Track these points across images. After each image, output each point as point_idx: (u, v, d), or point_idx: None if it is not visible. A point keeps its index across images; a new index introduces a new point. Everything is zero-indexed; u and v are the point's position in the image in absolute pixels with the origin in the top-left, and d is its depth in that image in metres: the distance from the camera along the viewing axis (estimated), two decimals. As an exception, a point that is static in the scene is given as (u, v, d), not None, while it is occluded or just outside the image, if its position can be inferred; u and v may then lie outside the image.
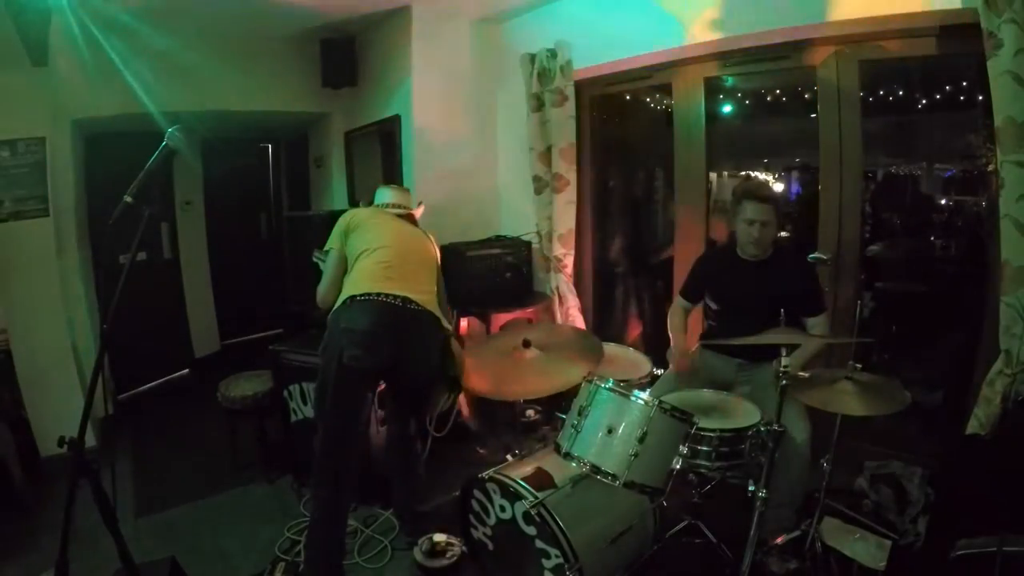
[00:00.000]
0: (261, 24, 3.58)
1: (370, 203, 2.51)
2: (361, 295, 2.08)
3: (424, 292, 2.20)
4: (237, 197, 5.35)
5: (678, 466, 1.71)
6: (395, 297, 2.08)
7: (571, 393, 1.92)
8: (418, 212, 2.53)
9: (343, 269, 2.24)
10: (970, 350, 2.30)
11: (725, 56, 2.76)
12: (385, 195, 2.47)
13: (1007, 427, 1.93)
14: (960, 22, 2.03)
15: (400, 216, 2.41)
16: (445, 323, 2.26)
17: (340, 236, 2.26)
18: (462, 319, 3.28)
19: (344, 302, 2.10)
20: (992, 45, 1.87)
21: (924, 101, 2.89)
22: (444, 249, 3.02)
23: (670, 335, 2.46)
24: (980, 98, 2.10)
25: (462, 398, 3.06)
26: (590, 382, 1.81)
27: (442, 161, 3.64)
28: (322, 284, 2.27)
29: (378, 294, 2.07)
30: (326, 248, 2.28)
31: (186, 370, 4.60)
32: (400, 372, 2.16)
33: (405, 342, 2.08)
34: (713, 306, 2.41)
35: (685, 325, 2.48)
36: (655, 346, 2.66)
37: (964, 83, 2.56)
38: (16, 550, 2.35)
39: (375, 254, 2.19)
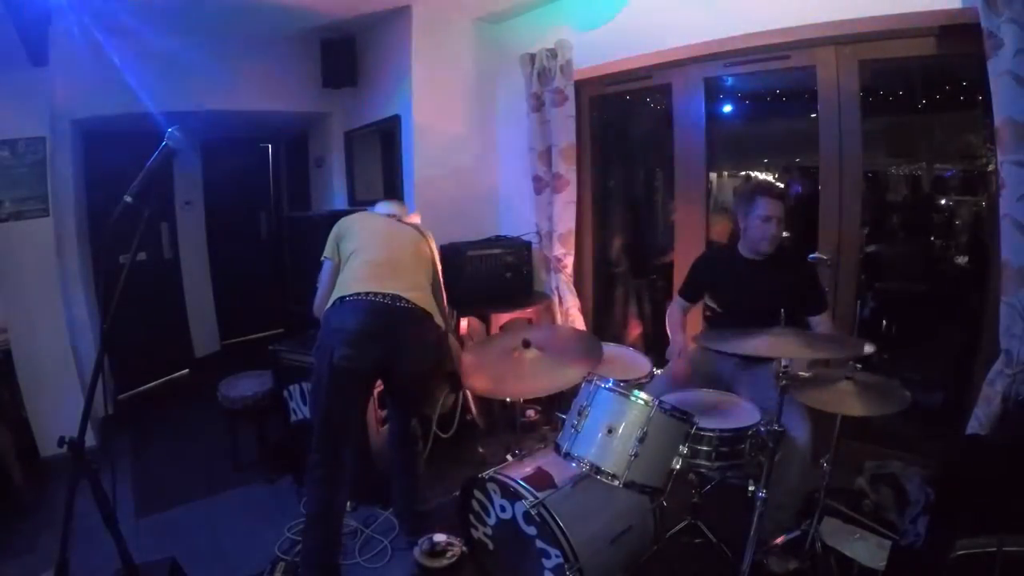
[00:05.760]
0: (261, 24, 3.58)
1: None
2: (350, 295, 2.07)
3: (415, 289, 2.18)
4: (237, 197, 5.35)
5: (678, 466, 1.70)
6: (384, 295, 2.07)
7: (571, 393, 1.92)
8: (413, 219, 2.53)
9: (337, 277, 2.23)
10: (970, 350, 2.30)
11: (725, 56, 2.76)
12: (380, 207, 2.50)
13: (1007, 427, 1.94)
14: (960, 22, 2.03)
15: (392, 218, 2.41)
16: (439, 320, 2.25)
17: (333, 244, 2.26)
18: (462, 319, 3.28)
19: (334, 303, 2.10)
20: (992, 45, 1.87)
21: (924, 101, 2.89)
22: (444, 249, 3.02)
23: (669, 333, 2.46)
24: (980, 98, 2.10)
25: (470, 397, 3.06)
26: (590, 382, 1.81)
27: (442, 161, 3.64)
28: (317, 295, 2.26)
29: (366, 293, 2.07)
30: (322, 258, 2.28)
31: (186, 370, 4.60)
32: (394, 370, 2.15)
33: (396, 340, 2.07)
34: (713, 306, 2.41)
35: (684, 323, 2.48)
36: (655, 346, 2.66)
37: (964, 83, 2.56)
38: (16, 550, 2.35)
39: (364, 253, 2.18)
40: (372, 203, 2.59)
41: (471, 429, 3.15)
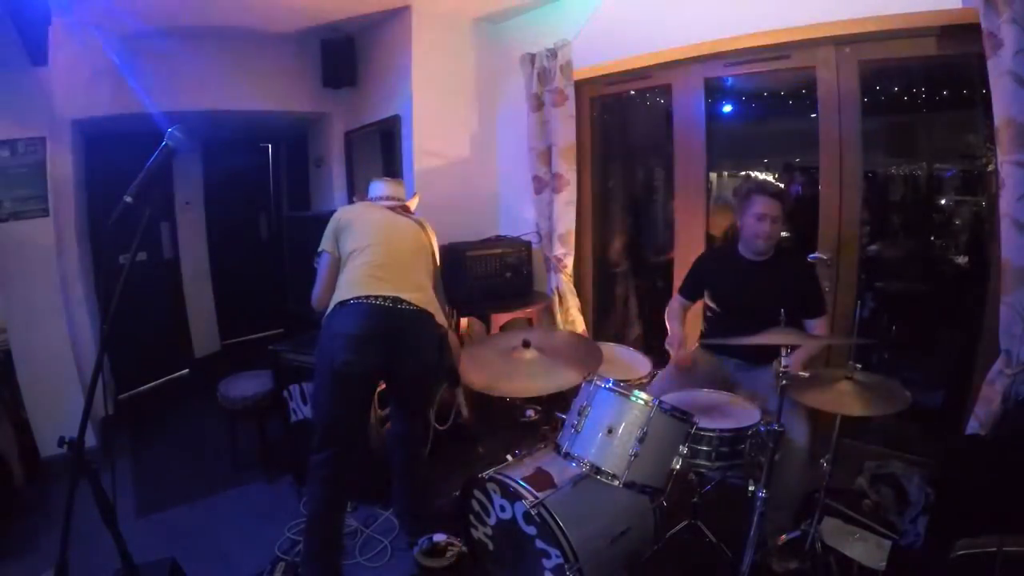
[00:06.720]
0: (261, 24, 3.58)
1: (364, 197, 2.48)
2: (351, 299, 2.06)
3: (416, 289, 2.17)
4: (237, 197, 5.35)
5: (678, 466, 1.71)
6: (385, 299, 2.07)
7: (571, 393, 1.92)
8: (412, 204, 2.50)
9: (336, 271, 2.21)
10: (970, 350, 2.30)
11: (725, 56, 2.76)
12: (377, 188, 2.44)
13: (1007, 427, 1.94)
14: (960, 22, 2.03)
15: (391, 208, 2.37)
16: (440, 319, 2.24)
17: (331, 237, 2.23)
18: (462, 319, 3.28)
19: (335, 307, 2.08)
20: (992, 45, 1.87)
21: (924, 101, 2.88)
22: (444, 249, 3.01)
23: (667, 326, 2.46)
24: (980, 98, 2.10)
25: (462, 398, 3.05)
26: (590, 382, 1.81)
27: (442, 161, 3.64)
28: (316, 287, 2.24)
29: (367, 297, 2.06)
30: (319, 250, 2.25)
31: (186, 370, 4.61)
32: (396, 373, 2.16)
33: (398, 343, 2.07)
34: (713, 306, 2.41)
35: (682, 319, 2.48)
36: (655, 346, 2.66)
37: (964, 83, 2.56)
38: (16, 550, 2.35)
39: (364, 254, 2.16)
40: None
41: (469, 428, 3.15)
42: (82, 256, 3.37)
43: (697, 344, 2.48)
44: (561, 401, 2.15)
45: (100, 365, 1.50)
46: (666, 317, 2.50)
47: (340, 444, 2.04)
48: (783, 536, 2.00)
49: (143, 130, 2.69)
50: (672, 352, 2.36)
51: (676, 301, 2.51)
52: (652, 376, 2.48)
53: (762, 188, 2.22)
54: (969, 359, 2.29)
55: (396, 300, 2.08)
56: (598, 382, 1.78)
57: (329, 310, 2.11)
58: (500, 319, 3.32)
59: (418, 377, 2.23)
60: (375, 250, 2.18)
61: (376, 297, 2.06)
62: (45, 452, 2.96)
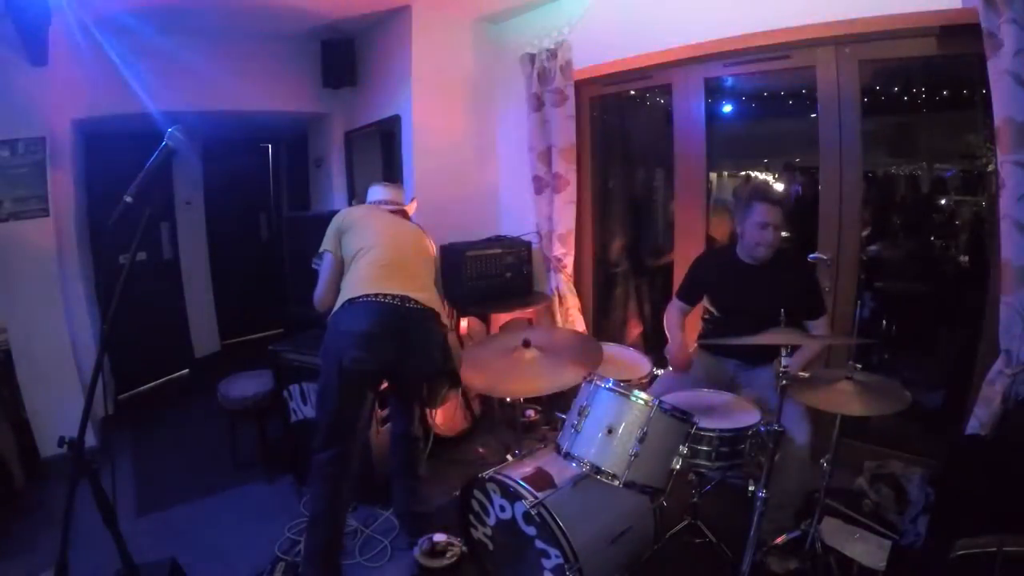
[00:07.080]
0: (261, 24, 3.58)
1: (363, 202, 2.51)
2: (360, 297, 2.07)
3: (422, 288, 2.19)
4: (237, 197, 5.35)
5: (678, 466, 1.71)
6: (393, 297, 2.08)
7: (571, 393, 1.92)
8: (411, 208, 2.52)
9: (339, 271, 2.22)
10: (970, 350, 2.30)
11: (725, 56, 2.76)
12: (377, 192, 2.47)
13: (1007, 427, 1.94)
14: (960, 22, 2.03)
15: (393, 212, 2.41)
16: (444, 319, 2.26)
17: (334, 237, 2.25)
18: (462, 319, 3.28)
19: (343, 305, 2.09)
20: (992, 45, 1.87)
21: (924, 101, 2.89)
22: (444, 249, 3.03)
23: (667, 333, 2.45)
24: (980, 98, 2.10)
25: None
26: (590, 382, 1.81)
27: (442, 161, 3.64)
28: (318, 288, 2.25)
29: (376, 295, 2.07)
30: (320, 250, 2.26)
31: (186, 370, 4.61)
32: (401, 371, 2.16)
33: (405, 341, 2.08)
34: (712, 310, 2.40)
35: (682, 324, 2.47)
36: (655, 346, 2.66)
37: (964, 83, 2.56)
38: (16, 550, 2.35)
39: (370, 253, 2.18)
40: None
41: (469, 429, 3.15)
42: (82, 256, 3.37)
43: (696, 345, 2.47)
44: (561, 401, 2.15)
45: (100, 365, 1.50)
46: (665, 324, 2.47)
47: (344, 442, 2.04)
48: (783, 536, 2.00)
49: (143, 130, 2.69)
50: (671, 356, 2.34)
51: (675, 307, 2.48)
52: (652, 376, 2.48)
53: (764, 195, 2.18)
54: (969, 359, 2.29)
55: (404, 299, 2.09)
56: (598, 382, 1.78)
57: (336, 308, 2.11)
58: (500, 319, 3.33)
59: (422, 376, 2.24)
60: (381, 250, 2.20)
61: (385, 295, 2.07)
62: (45, 452, 2.96)
